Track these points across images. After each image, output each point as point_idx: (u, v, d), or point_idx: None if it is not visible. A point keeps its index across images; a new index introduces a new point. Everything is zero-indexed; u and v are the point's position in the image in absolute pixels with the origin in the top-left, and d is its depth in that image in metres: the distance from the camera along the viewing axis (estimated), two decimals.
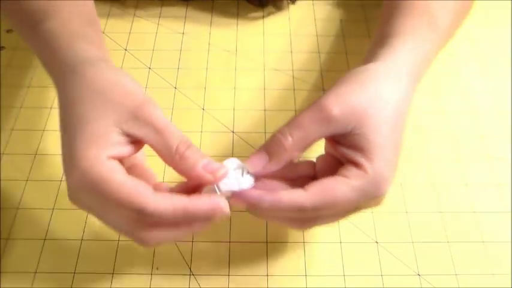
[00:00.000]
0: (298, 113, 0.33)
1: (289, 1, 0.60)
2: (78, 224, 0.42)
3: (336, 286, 0.39)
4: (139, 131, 0.31)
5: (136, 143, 0.32)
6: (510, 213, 0.44)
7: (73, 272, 0.39)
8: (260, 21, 0.59)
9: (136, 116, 0.31)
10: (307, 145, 0.33)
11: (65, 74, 0.34)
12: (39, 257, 0.40)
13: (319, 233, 0.42)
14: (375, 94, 0.33)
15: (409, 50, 0.37)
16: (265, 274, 0.40)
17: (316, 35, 0.58)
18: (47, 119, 0.49)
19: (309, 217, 0.32)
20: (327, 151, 0.36)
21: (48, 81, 0.52)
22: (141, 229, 0.31)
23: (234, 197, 0.33)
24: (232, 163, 0.34)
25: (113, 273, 0.39)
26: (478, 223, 0.43)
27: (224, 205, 0.31)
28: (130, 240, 0.41)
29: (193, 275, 0.40)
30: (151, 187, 0.31)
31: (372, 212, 0.43)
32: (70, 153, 0.31)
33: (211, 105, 0.50)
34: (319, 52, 0.56)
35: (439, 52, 0.41)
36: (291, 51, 0.56)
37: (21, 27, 0.40)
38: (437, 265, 0.41)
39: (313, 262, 0.40)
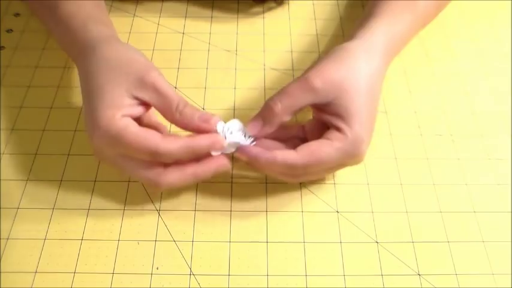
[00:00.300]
0: (286, 84, 0.40)
1: None
2: (77, 223, 0.42)
3: (336, 286, 0.39)
4: (145, 95, 0.38)
5: (145, 104, 0.39)
6: (510, 213, 0.44)
7: (73, 272, 0.39)
8: (260, 21, 0.59)
9: (143, 82, 0.38)
10: (294, 111, 0.39)
11: (85, 51, 0.41)
12: (39, 257, 0.40)
13: (319, 233, 0.42)
14: (350, 69, 0.39)
15: (384, 29, 0.43)
16: (265, 274, 0.40)
17: (317, 35, 0.58)
18: (47, 119, 0.49)
19: (299, 173, 0.38)
20: (314, 116, 0.42)
21: (47, 81, 0.52)
22: (154, 171, 0.38)
23: (238, 151, 0.39)
24: (235, 124, 0.40)
25: (113, 273, 0.39)
26: (478, 223, 0.43)
27: (221, 139, 0.38)
28: (130, 240, 0.41)
29: (193, 275, 0.40)
30: (160, 134, 0.37)
31: (372, 212, 0.43)
32: (92, 118, 0.38)
33: (211, 105, 0.50)
34: (319, 52, 0.56)
35: (418, 32, 0.48)
36: (291, 51, 0.56)
37: (41, 13, 0.48)
38: (438, 265, 0.41)
39: (313, 262, 0.40)
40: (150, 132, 0.37)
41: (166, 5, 0.60)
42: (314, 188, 0.45)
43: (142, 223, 0.42)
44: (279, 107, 0.39)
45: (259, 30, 0.58)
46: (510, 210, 0.44)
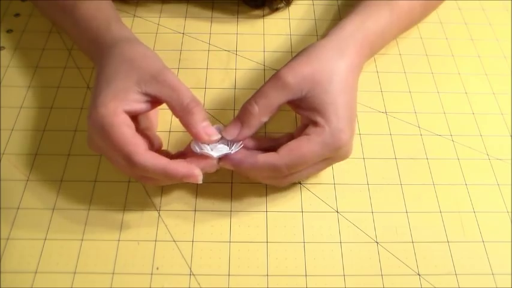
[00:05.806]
0: (262, 85, 0.40)
1: (283, 4, 0.59)
2: (78, 223, 0.42)
3: (336, 286, 0.39)
4: (157, 90, 0.38)
5: (151, 103, 0.39)
6: (510, 213, 0.44)
7: (73, 272, 0.39)
8: (260, 21, 0.59)
9: (156, 78, 0.38)
10: (271, 110, 0.39)
11: (104, 49, 0.42)
12: (39, 257, 0.40)
13: (319, 233, 0.42)
14: (320, 63, 0.40)
15: (356, 25, 0.44)
16: (265, 274, 0.40)
17: (316, 35, 0.58)
18: (47, 119, 0.49)
19: (284, 173, 0.38)
20: (301, 122, 0.42)
21: (48, 81, 0.52)
22: (134, 173, 0.38)
23: (222, 160, 0.39)
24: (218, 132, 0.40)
25: (113, 273, 0.39)
26: (478, 223, 0.43)
27: (198, 174, 0.37)
28: (130, 240, 0.41)
29: (193, 275, 0.40)
30: (148, 147, 0.38)
31: (372, 212, 0.43)
32: (95, 101, 0.38)
33: (212, 105, 0.50)
34: None
35: (402, 28, 0.51)
36: (291, 51, 0.56)
37: (58, 16, 0.50)
38: (437, 265, 0.41)
39: (313, 262, 0.40)
40: (137, 139, 0.37)
41: (166, 5, 0.60)
42: (314, 188, 0.45)
43: (142, 223, 0.42)
44: (255, 108, 0.39)
45: (259, 31, 0.58)
46: (510, 210, 0.44)
